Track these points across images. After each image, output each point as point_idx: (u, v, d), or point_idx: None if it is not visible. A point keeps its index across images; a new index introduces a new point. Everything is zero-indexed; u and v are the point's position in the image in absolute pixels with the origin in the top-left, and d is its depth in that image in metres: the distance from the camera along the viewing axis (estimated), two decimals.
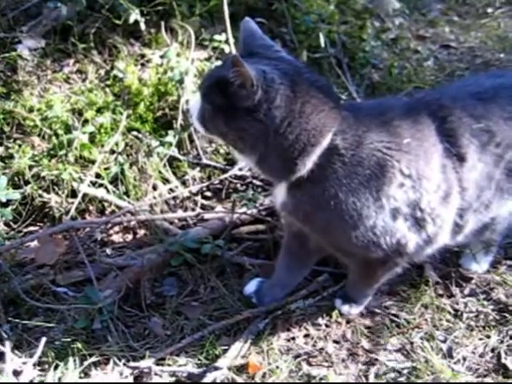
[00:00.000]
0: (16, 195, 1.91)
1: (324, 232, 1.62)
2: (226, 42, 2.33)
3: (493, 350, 1.70)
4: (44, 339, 1.54)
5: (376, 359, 1.69)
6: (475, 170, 1.59)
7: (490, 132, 1.59)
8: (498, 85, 1.70)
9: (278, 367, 1.64)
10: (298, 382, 1.61)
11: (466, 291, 1.91)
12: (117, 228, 2.10)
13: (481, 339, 1.74)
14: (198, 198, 2.22)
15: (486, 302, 1.86)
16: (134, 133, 2.24)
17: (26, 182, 2.06)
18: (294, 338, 1.75)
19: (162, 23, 2.32)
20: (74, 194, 2.09)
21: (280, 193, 1.59)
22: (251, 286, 1.86)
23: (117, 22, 2.30)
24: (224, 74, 1.43)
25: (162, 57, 2.33)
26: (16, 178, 2.06)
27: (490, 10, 4.09)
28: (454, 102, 1.63)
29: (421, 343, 1.72)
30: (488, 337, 1.74)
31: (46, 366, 1.60)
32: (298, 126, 1.44)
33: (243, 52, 1.53)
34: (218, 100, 1.46)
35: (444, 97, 1.67)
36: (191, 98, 1.67)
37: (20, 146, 2.11)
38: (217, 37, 2.33)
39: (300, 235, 1.73)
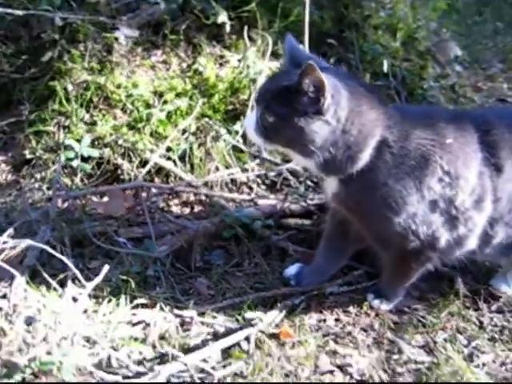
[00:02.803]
0: (96, 153, 2.15)
1: (370, 218, 1.75)
2: None
3: None
4: (107, 267, 1.68)
5: (399, 349, 1.78)
6: (511, 182, 1.71)
7: None
8: None
9: (306, 341, 1.75)
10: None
11: (493, 308, 1.97)
12: (176, 201, 2.29)
13: (503, 350, 1.79)
14: (254, 186, 2.40)
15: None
16: (206, 119, 2.45)
17: (105, 146, 2.30)
18: (324, 320, 1.86)
19: (246, 28, 2.56)
20: (144, 164, 2.31)
21: (331, 185, 1.75)
22: (292, 270, 1.99)
23: (205, 22, 2.56)
24: (291, 83, 1.57)
25: (240, 60, 2.56)
26: (96, 142, 2.30)
27: None
28: (498, 119, 1.78)
29: (444, 343, 1.80)
30: (511, 350, 1.79)
31: (100, 300, 1.76)
32: (359, 122, 1.62)
33: (291, 63, 1.69)
34: (284, 109, 1.58)
35: (489, 114, 1.84)
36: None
37: (104, 115, 2.36)
38: None
39: (342, 224, 1.87)
